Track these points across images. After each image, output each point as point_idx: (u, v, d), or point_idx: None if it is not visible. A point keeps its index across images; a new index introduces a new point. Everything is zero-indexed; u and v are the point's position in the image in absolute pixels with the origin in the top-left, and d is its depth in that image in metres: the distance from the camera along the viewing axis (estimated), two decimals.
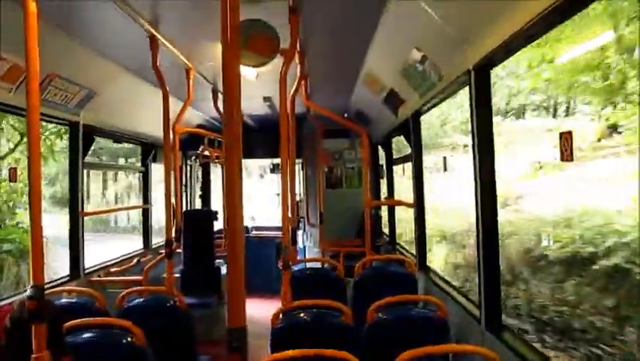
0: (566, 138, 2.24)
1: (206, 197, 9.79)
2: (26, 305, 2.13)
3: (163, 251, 5.95)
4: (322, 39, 4.27)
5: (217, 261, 6.94)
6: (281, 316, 3.43)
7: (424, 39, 3.72)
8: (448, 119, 8.83)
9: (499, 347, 2.87)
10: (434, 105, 4.65)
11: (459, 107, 7.48)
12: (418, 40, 3.77)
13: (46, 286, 2.15)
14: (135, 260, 6.44)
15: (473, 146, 3.28)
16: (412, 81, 4.42)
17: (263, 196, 12.64)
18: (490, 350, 2.56)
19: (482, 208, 3.25)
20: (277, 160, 10.12)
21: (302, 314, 3.43)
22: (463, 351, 2.92)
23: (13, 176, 4.63)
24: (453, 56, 3.47)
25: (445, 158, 5.91)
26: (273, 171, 10.45)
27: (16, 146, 9.63)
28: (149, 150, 7.15)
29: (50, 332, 2.16)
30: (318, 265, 6.26)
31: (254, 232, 9.61)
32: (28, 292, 2.08)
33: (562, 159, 2.28)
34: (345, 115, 7.59)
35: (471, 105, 3.29)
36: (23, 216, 9.21)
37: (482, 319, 3.26)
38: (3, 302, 3.73)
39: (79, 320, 3.04)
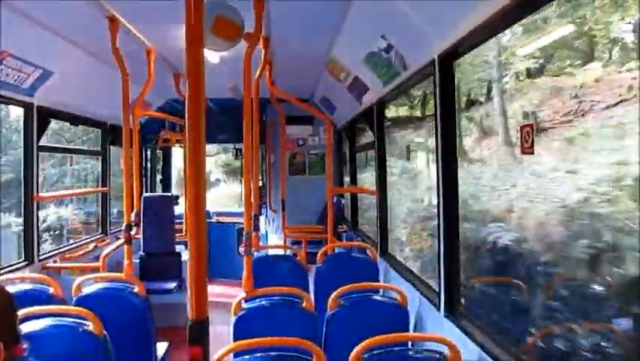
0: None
1: (166, 181, 9.63)
2: None
3: (121, 236, 5.84)
4: (288, 24, 4.22)
5: (177, 246, 6.85)
6: (243, 303, 3.41)
7: (390, 28, 3.73)
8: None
9: (457, 334, 2.94)
10: (398, 94, 4.68)
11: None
12: (384, 28, 3.77)
13: None
14: (92, 245, 6.29)
15: (436, 134, 3.32)
16: (377, 70, 4.43)
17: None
18: (449, 337, 2.62)
19: (444, 196, 3.31)
20: (240, 145, 10.05)
21: (264, 302, 3.43)
22: (422, 339, 2.98)
23: None
24: (418, 45, 3.49)
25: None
26: (236, 156, 10.35)
27: None
28: (108, 133, 6.95)
29: (2, 320, 2.08)
30: (280, 251, 6.26)
31: (215, 218, 9.52)
32: None
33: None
34: (310, 101, 7.56)
35: (434, 95, 3.32)
36: None
37: (441, 306, 3.33)
38: None
39: (33, 308, 2.95)
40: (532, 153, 2.31)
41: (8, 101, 4.50)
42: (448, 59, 3.21)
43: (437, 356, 2.50)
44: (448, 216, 3.30)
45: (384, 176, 5.35)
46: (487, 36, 2.78)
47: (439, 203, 3.35)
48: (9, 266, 4.65)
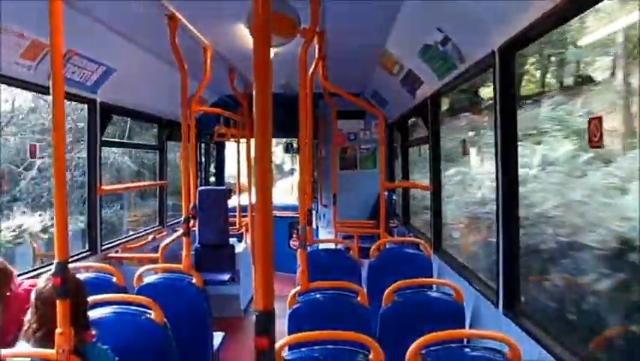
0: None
1: (220, 175, 9.83)
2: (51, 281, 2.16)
3: (178, 228, 6.01)
4: (342, 18, 4.20)
5: (231, 239, 7.00)
6: (297, 296, 3.45)
7: (446, 19, 3.65)
8: None
9: (517, 333, 2.86)
10: (454, 87, 4.59)
11: None
12: (441, 20, 3.70)
13: None
14: (151, 237, 6.50)
15: (495, 128, 3.24)
16: (432, 62, 4.35)
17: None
18: (508, 336, 2.55)
19: (503, 191, 3.22)
20: (290, 140, 10.13)
21: (318, 296, 3.45)
22: (481, 336, 2.92)
23: (32, 153, 4.66)
24: (477, 37, 3.40)
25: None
26: (287, 150, 10.43)
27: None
28: (165, 128, 7.16)
29: (74, 308, 2.18)
30: (332, 245, 6.28)
31: None
32: (53, 268, 2.10)
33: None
34: (361, 96, 7.52)
35: (494, 89, 3.23)
36: None
37: (500, 303, 3.25)
38: (23, 277, 3.78)
39: (100, 296, 3.08)
40: (600, 147, 2.22)
41: (74, 97, 4.70)
42: (510, 51, 3.11)
43: (496, 354, 2.44)
44: (507, 211, 3.21)
45: (439, 170, 5.27)
46: (553, 25, 2.67)
47: (497, 197, 3.27)
48: (74, 256, 4.88)
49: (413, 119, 7.02)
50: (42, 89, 4.06)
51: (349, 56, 5.58)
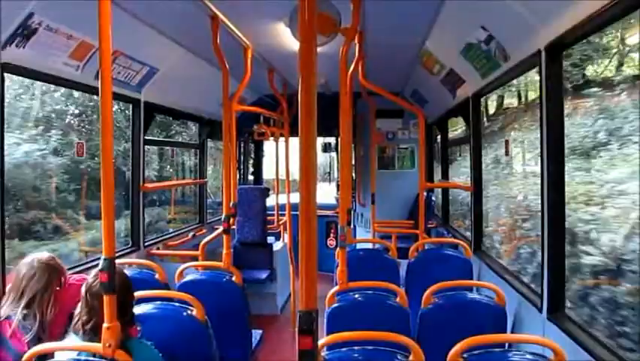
0: None
1: (258, 174, 9.92)
2: (98, 276, 2.22)
3: (217, 227, 6.10)
4: (383, 18, 4.18)
5: (269, 238, 7.05)
6: (336, 296, 3.45)
7: (490, 18, 3.58)
8: None
9: (561, 339, 2.78)
10: (497, 86, 4.49)
11: None
12: (484, 18, 3.63)
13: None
14: (191, 235, 6.62)
15: (541, 128, 3.16)
16: (475, 61, 4.28)
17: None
18: (553, 342, 2.48)
19: (549, 192, 3.14)
20: (329, 139, 10.13)
21: (357, 295, 3.44)
22: (525, 341, 2.84)
23: (80, 150, 4.80)
24: (522, 35, 3.32)
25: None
26: (325, 150, 10.43)
27: None
28: (205, 127, 7.27)
29: (121, 303, 2.24)
30: (369, 245, 6.25)
31: None
32: (100, 264, 2.16)
33: None
34: (400, 95, 7.46)
35: (540, 88, 3.15)
36: None
37: (544, 308, 3.17)
38: (70, 272, 3.90)
39: (144, 292, 3.15)
40: None
41: (119, 97, 4.82)
42: (557, 50, 3.02)
43: (541, 360, 2.38)
44: (553, 214, 3.12)
45: (480, 171, 5.17)
46: (603, 23, 2.59)
47: (543, 199, 3.19)
48: (119, 252, 5.01)
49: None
50: (89, 89, 4.18)
51: (389, 55, 5.53)
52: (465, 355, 2.36)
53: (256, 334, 4.34)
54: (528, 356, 2.42)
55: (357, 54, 4.28)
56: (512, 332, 3.56)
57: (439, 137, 7.80)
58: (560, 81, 3.09)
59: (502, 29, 3.58)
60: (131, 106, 5.14)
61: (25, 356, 2.22)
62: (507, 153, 4.92)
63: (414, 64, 5.81)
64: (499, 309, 3.36)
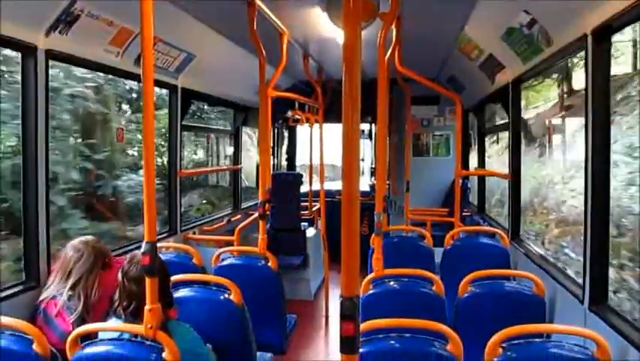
0: None
1: (291, 160, 9.95)
2: (140, 260, 2.27)
3: (251, 212, 6.16)
4: (422, 3, 4.09)
5: (302, 224, 7.09)
6: (371, 283, 3.44)
7: (533, 1, 3.47)
8: None
9: (605, 331, 2.71)
10: (538, 72, 4.36)
11: None
12: (528, 2, 3.52)
13: None
14: (226, 220, 6.70)
15: (586, 117, 3.06)
16: (516, 46, 4.16)
17: None
18: (596, 333, 2.42)
19: (592, 180, 3.04)
20: (363, 126, 10.06)
21: (393, 283, 3.42)
22: (567, 332, 2.78)
23: (120, 136, 4.91)
24: (567, 19, 3.21)
25: None
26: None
27: None
28: (240, 113, 7.32)
29: (160, 285, 2.29)
30: (403, 233, 6.22)
31: (338, 196, 9.67)
32: (143, 247, 2.20)
33: None
34: (436, 81, 7.33)
35: (586, 74, 3.04)
36: None
37: (586, 298, 3.09)
38: (115, 253, 3.99)
39: (182, 276, 3.21)
40: None
41: (157, 83, 4.88)
42: (604, 34, 2.91)
43: (583, 351, 2.32)
44: (596, 201, 3.03)
45: (519, 158, 5.06)
46: None
47: (586, 187, 3.10)
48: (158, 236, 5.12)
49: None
50: (129, 75, 4.25)
51: (425, 41, 5.43)
52: (504, 344, 2.33)
53: (290, 319, 4.38)
54: (569, 347, 2.36)
55: (394, 39, 4.22)
56: (550, 323, 3.49)
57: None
58: (608, 67, 2.98)
59: (546, 13, 3.47)
60: (168, 92, 5.21)
61: (71, 336, 2.29)
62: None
63: (450, 49, 5.69)
64: (537, 299, 3.30)
